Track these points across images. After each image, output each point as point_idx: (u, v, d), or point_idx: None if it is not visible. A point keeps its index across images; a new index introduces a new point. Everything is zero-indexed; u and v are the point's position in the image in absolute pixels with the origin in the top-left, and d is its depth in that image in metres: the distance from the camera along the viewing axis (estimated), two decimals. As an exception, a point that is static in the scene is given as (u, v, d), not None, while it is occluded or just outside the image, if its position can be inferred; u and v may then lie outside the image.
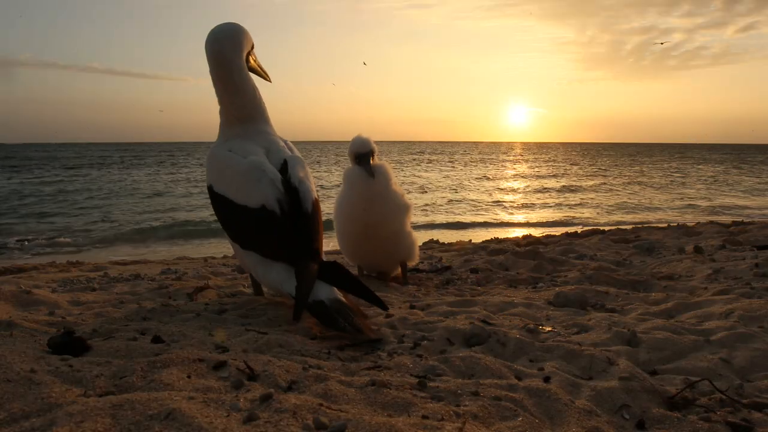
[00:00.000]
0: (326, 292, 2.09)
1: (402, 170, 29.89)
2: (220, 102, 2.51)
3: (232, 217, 2.32)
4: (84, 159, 39.71)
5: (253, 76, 2.59)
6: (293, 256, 2.15)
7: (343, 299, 2.11)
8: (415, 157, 48.92)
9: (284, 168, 2.35)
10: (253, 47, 2.61)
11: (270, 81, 2.80)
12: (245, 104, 2.48)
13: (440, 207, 14.96)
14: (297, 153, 2.51)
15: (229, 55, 2.39)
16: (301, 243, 2.17)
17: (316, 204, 2.31)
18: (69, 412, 1.15)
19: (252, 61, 2.61)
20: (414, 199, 16.36)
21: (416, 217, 12.53)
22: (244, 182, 2.25)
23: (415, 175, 26.56)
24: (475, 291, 3.38)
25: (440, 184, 21.72)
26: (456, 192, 18.78)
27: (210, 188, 2.42)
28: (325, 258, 2.31)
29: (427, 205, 15.34)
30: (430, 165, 35.94)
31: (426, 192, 18.49)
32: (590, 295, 3.04)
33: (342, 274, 2.16)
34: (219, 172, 2.39)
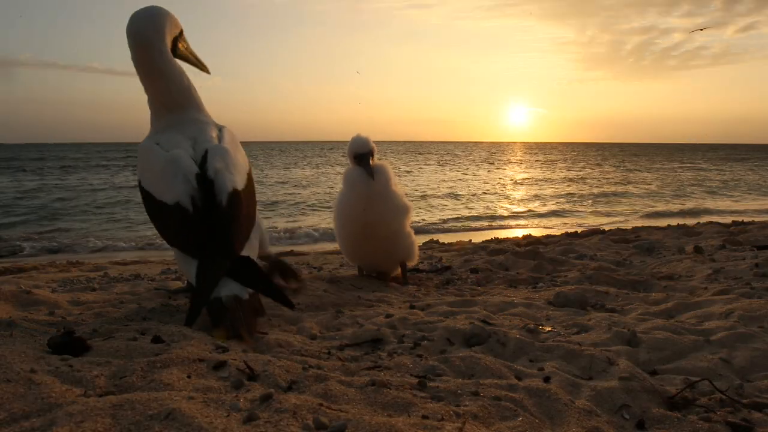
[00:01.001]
0: (229, 289, 1.97)
1: (437, 172, 28.57)
2: (146, 91, 2.41)
3: (155, 214, 2.24)
4: (85, 160, 39.66)
5: (186, 66, 2.50)
6: (203, 253, 2.04)
7: (246, 298, 1.98)
8: (433, 157, 48.06)
9: (205, 159, 2.24)
10: (182, 33, 2.48)
11: (208, 72, 2.68)
12: (171, 90, 2.37)
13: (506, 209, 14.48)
14: (227, 140, 2.37)
15: (149, 37, 2.29)
16: (212, 239, 2.06)
17: (234, 196, 2.15)
18: (69, 412, 1.15)
19: (182, 48, 2.50)
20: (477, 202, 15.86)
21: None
22: (162, 178, 2.17)
23: (448, 177, 25.59)
24: (475, 291, 3.38)
25: (478, 188, 20.57)
26: (508, 197, 17.62)
27: (139, 183, 2.33)
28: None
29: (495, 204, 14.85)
30: (452, 166, 34.54)
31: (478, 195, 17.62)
32: (590, 295, 3.04)
33: (251, 271, 2.02)
34: (144, 167, 2.31)
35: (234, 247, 2.06)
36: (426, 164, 37.26)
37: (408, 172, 28.63)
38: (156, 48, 2.31)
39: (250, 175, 2.43)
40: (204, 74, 2.72)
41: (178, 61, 2.45)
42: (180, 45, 2.49)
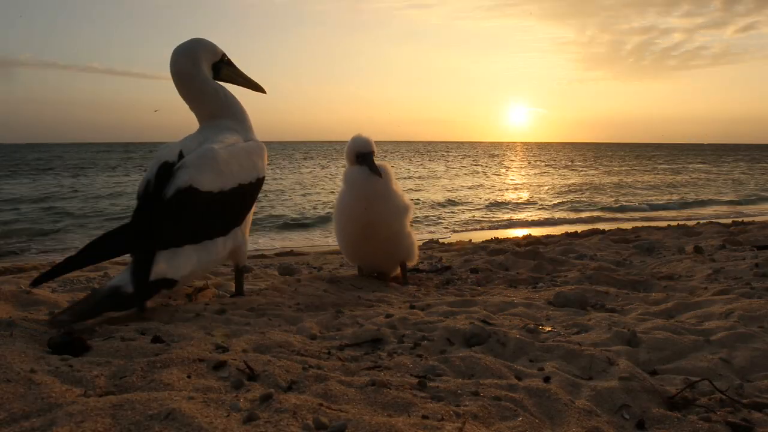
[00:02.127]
0: (120, 280, 2.01)
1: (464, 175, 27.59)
2: (190, 109, 2.60)
3: None
4: (85, 161, 39.58)
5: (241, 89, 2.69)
6: (125, 229, 2.09)
7: (126, 292, 1.99)
8: (442, 157, 47.36)
9: None
10: (224, 58, 2.62)
11: (263, 92, 2.82)
12: (209, 108, 2.56)
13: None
14: (239, 148, 2.42)
15: (183, 69, 2.47)
16: (139, 224, 2.10)
17: (185, 192, 2.13)
18: (69, 412, 1.15)
19: (226, 72, 2.65)
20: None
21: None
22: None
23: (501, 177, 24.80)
24: (475, 291, 3.38)
25: (483, 188, 20.08)
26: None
27: None
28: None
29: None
30: (456, 170, 32.93)
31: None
32: (590, 295, 3.04)
33: (139, 268, 2.02)
34: None
35: (151, 240, 2.06)
36: (442, 164, 36.67)
37: (432, 174, 28.04)
38: (191, 77, 2.48)
39: (245, 188, 2.40)
40: None
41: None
42: (224, 69, 2.64)
